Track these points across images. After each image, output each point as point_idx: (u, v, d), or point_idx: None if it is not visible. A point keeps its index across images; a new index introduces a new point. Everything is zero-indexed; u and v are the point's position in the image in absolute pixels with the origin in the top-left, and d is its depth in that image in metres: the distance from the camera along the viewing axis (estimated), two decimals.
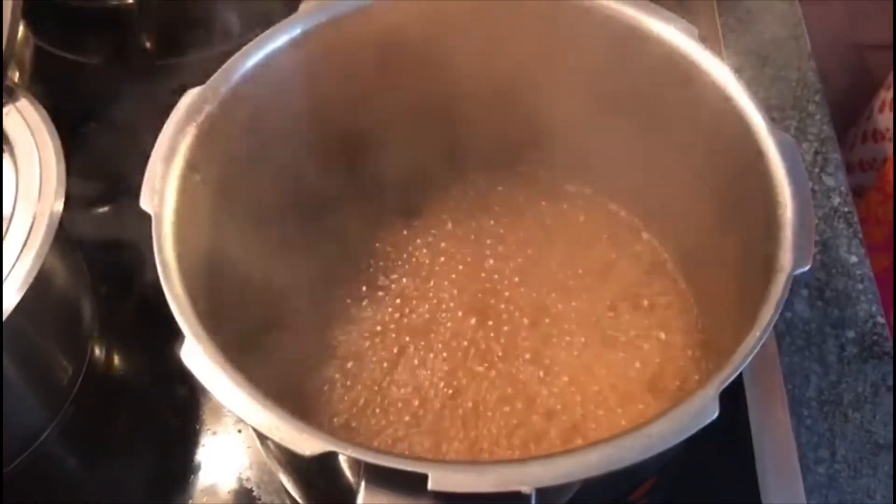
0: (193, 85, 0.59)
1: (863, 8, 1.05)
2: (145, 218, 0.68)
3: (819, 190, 0.64)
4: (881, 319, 0.58)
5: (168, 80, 0.77)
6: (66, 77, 0.76)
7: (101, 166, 0.74)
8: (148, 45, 0.80)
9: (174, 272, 0.38)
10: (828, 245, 0.61)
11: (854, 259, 0.61)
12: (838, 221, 0.62)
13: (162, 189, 0.41)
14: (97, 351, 0.58)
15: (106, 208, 0.71)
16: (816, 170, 0.65)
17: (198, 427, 0.56)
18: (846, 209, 0.63)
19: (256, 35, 0.72)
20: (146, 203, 0.41)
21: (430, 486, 0.32)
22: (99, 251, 0.62)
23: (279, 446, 0.35)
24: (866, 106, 0.91)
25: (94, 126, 0.76)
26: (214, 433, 0.55)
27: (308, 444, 0.33)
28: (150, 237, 0.66)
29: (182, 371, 0.58)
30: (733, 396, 0.54)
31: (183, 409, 0.57)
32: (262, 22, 0.76)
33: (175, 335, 0.60)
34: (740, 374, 0.52)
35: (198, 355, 0.36)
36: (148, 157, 0.72)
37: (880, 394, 0.55)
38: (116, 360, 0.60)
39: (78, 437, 0.56)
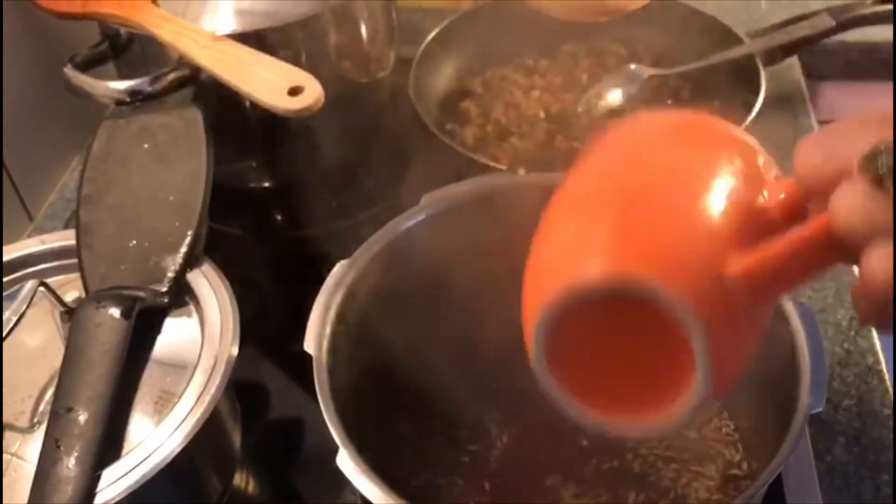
0: (317, 252, 0.73)
1: None
2: (276, 361, 0.82)
3: (854, 350, 0.74)
4: None
5: (295, 249, 0.93)
6: (211, 242, 0.92)
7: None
8: (279, 219, 0.96)
9: (329, 399, 0.51)
10: (863, 399, 0.71)
11: (887, 411, 0.70)
12: (872, 378, 0.72)
13: (319, 337, 0.54)
14: (240, 474, 0.70)
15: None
16: (852, 333, 0.76)
17: None
18: (878, 368, 0.73)
19: (368, 214, 0.88)
20: (309, 347, 0.54)
21: None
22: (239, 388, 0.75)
23: None
24: None
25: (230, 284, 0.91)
26: None
27: None
28: (272, 377, 0.80)
29: (301, 492, 0.70)
30: None
31: None
32: (372, 205, 0.93)
33: (295, 462, 0.72)
34: None
35: (349, 463, 0.47)
36: (272, 310, 0.87)
37: None
38: (252, 481, 0.72)
39: None
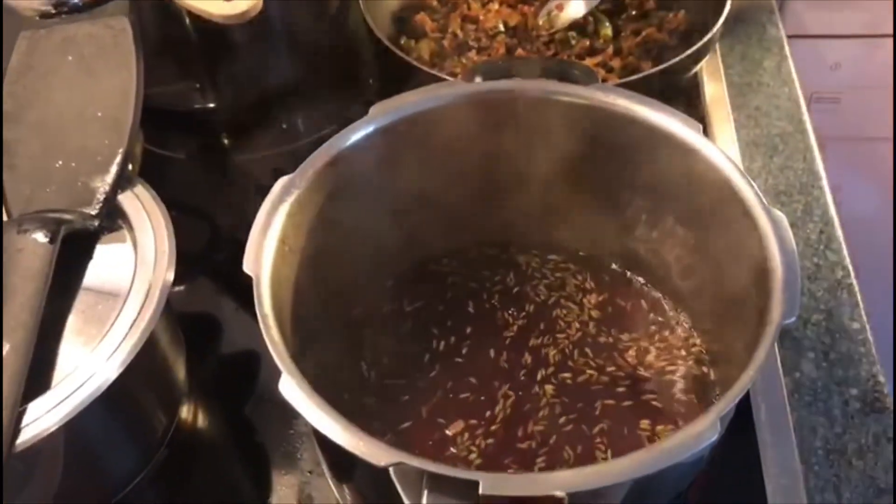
0: (263, 180, 0.68)
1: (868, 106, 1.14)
2: (226, 292, 0.78)
3: (824, 265, 0.72)
4: (881, 378, 0.64)
5: (243, 173, 0.89)
6: (154, 169, 0.87)
7: (182, 249, 0.84)
8: (226, 142, 0.91)
9: (272, 321, 0.47)
10: (832, 313, 0.68)
11: (856, 325, 0.68)
12: (841, 292, 0.70)
13: (259, 256, 0.50)
14: (186, 407, 0.67)
15: (184, 286, 0.81)
16: (821, 247, 0.73)
17: (272, 470, 0.64)
18: (848, 281, 0.70)
19: (318, 136, 0.84)
20: (248, 267, 0.50)
21: (480, 490, 0.40)
22: (183, 323, 0.71)
23: (355, 462, 0.43)
24: None
25: (177, 213, 0.87)
26: (285, 474, 0.63)
27: (383, 455, 0.41)
28: (225, 308, 0.76)
29: (254, 424, 0.68)
30: (748, 445, 0.61)
31: (258, 456, 0.65)
32: (323, 125, 0.88)
33: (248, 394, 0.69)
34: (754, 425, 0.60)
35: (292, 387, 0.44)
36: (223, 239, 0.82)
37: (881, 444, 0.61)
38: (201, 414, 0.68)
39: (168, 481, 0.64)
